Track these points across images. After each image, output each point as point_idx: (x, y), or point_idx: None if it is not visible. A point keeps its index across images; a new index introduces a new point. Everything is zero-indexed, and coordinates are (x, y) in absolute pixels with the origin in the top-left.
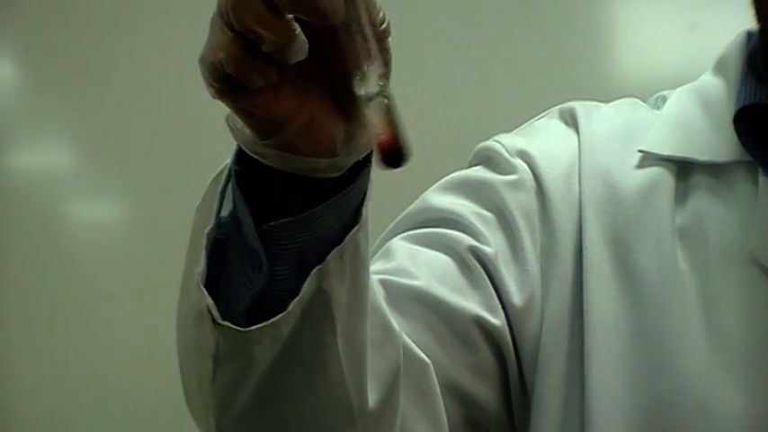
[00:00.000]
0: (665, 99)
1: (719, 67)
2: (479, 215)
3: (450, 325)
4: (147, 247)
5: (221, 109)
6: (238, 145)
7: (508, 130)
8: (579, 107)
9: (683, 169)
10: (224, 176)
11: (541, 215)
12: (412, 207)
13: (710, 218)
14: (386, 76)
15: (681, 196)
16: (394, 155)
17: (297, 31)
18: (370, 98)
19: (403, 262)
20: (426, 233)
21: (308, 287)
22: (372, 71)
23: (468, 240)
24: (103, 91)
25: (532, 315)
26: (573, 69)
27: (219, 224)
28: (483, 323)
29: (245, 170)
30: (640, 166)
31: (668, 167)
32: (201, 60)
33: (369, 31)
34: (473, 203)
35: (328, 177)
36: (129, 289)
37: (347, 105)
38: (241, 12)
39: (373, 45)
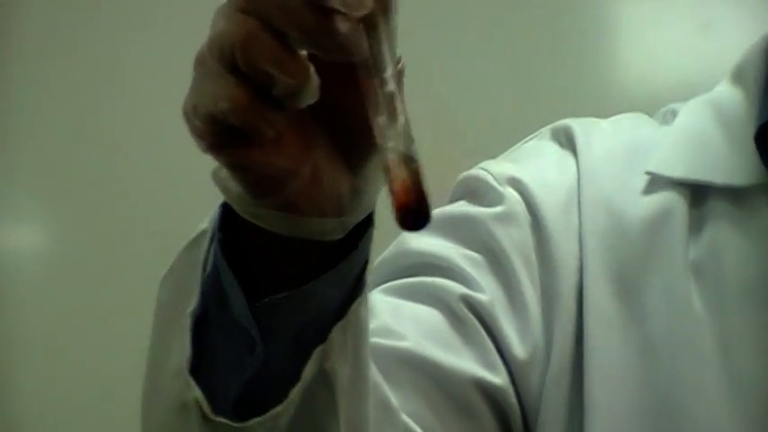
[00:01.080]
0: (674, 113)
1: (737, 77)
2: (468, 257)
3: (446, 390)
4: (69, 277)
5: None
6: (221, 207)
7: (502, 141)
8: (576, 125)
9: (697, 194)
10: (204, 244)
11: (539, 251)
12: (388, 253)
13: (728, 250)
14: (408, 124)
15: (695, 226)
16: (418, 215)
17: (312, 71)
18: (395, 152)
19: (385, 320)
20: (409, 283)
21: (309, 370)
22: (393, 118)
23: (458, 288)
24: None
25: (537, 367)
26: (570, 75)
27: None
28: (482, 384)
29: (227, 234)
30: (648, 191)
31: (680, 192)
32: (193, 112)
33: (390, 69)
34: (459, 244)
35: (331, 240)
36: (48, 320)
37: (354, 155)
38: (253, 51)
39: (394, 86)
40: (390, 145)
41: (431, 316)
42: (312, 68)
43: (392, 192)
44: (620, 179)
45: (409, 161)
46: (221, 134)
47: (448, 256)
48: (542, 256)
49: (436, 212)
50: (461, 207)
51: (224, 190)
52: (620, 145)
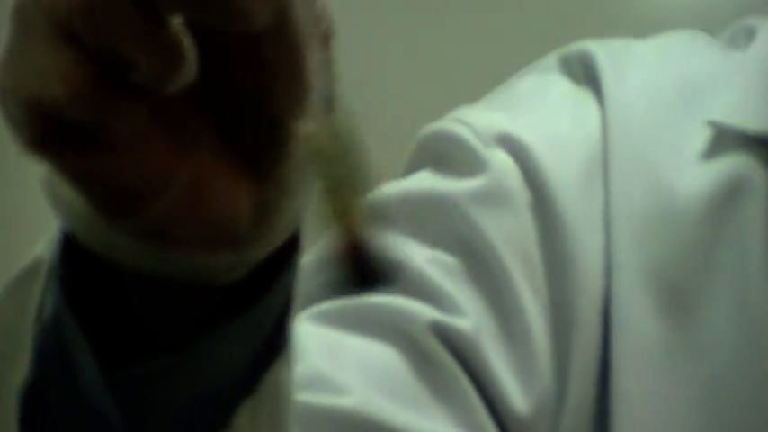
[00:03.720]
0: (750, 32)
1: None
2: (438, 263)
3: None
4: None
5: None
6: (62, 233)
7: (487, 76)
8: (598, 51)
9: None
10: (38, 282)
11: (545, 247)
12: (317, 257)
13: None
14: (331, 104)
15: None
16: (359, 261)
17: (185, 48)
18: (316, 146)
19: (318, 364)
20: (352, 306)
21: None
22: (316, 98)
23: (424, 312)
24: None
25: (545, 426)
26: None
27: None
28: None
29: (73, 268)
30: (710, 152)
31: (757, 154)
32: (9, 90)
33: (305, 34)
34: (424, 242)
35: (224, 282)
36: None
37: (260, 156)
38: (100, 19)
39: (314, 56)
40: (303, 134)
41: (385, 356)
42: (187, 42)
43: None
44: (667, 134)
45: (342, 189)
46: (49, 128)
47: (408, 261)
48: (550, 255)
49: (386, 193)
50: (425, 182)
51: (58, 207)
52: (666, 81)
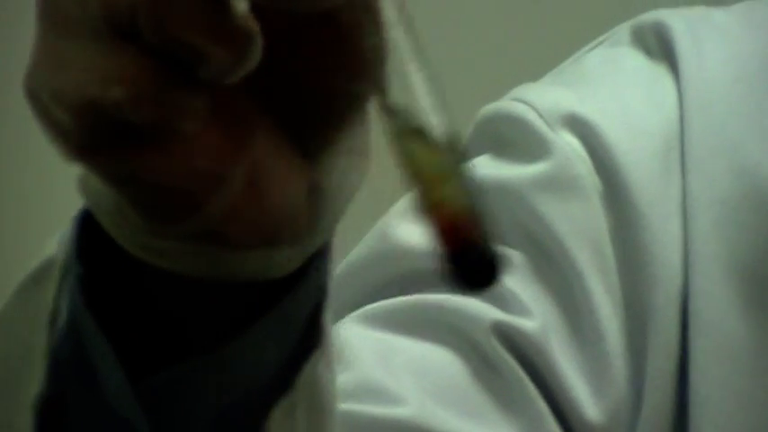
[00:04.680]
0: None
1: None
2: None
3: None
4: None
5: None
6: (79, 219)
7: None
8: (674, 21)
9: None
10: (51, 284)
11: (619, 239)
12: (363, 250)
13: None
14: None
15: None
16: (468, 267)
17: (256, 33)
18: (406, 130)
19: (369, 371)
20: (403, 306)
21: None
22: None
23: (486, 312)
24: None
25: None
26: None
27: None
28: None
29: (91, 266)
30: None
31: None
32: (53, 96)
33: (389, 12)
34: None
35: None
36: None
37: (311, 137)
38: (169, 14)
39: (402, 35)
40: (391, 118)
41: (443, 362)
42: (256, 27)
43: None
44: (752, 112)
45: (449, 169)
46: (102, 132)
47: None
48: (624, 248)
49: None
50: (484, 169)
51: (100, 212)
52: (750, 53)
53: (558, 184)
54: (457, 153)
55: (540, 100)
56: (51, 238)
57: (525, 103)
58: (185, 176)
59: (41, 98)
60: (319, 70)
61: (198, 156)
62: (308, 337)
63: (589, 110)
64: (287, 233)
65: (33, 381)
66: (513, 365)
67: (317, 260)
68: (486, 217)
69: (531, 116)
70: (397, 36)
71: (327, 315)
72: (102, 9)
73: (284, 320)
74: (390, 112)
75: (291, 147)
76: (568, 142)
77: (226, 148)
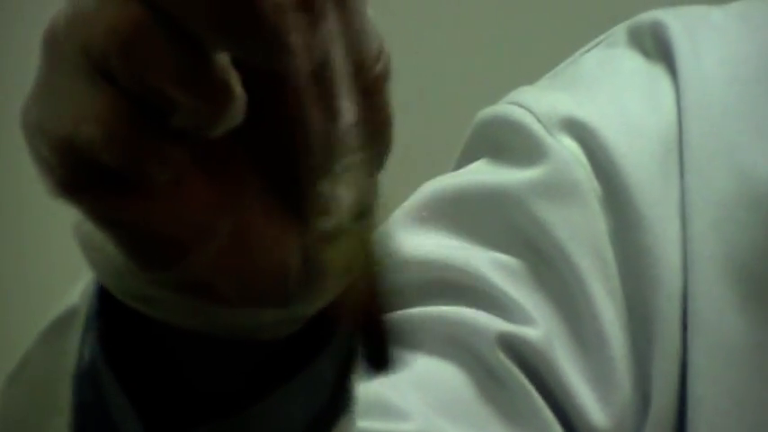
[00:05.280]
0: None
1: None
2: (501, 265)
3: None
4: None
5: None
6: (97, 285)
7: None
8: (672, 20)
9: None
10: (74, 336)
11: (619, 243)
12: None
13: None
14: (375, 167)
15: None
16: (373, 335)
17: (235, 88)
18: (335, 228)
19: (374, 387)
20: (408, 320)
21: None
22: (349, 162)
23: (491, 324)
24: None
25: None
26: None
27: None
28: None
29: (110, 320)
30: None
31: None
32: (37, 129)
33: (344, 81)
34: (484, 243)
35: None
36: None
37: (307, 206)
38: (141, 58)
39: (351, 107)
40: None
41: (448, 376)
42: (234, 81)
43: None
44: (749, 112)
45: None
46: (83, 171)
47: (468, 264)
48: (625, 252)
49: (439, 187)
50: (482, 175)
51: (88, 255)
52: (748, 53)
53: (557, 189)
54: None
55: (537, 104)
56: (75, 287)
57: (523, 107)
58: (168, 225)
59: (29, 129)
60: (289, 126)
61: (183, 206)
62: (337, 398)
63: (587, 113)
64: (275, 294)
65: (58, 428)
66: (518, 377)
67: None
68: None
69: (528, 120)
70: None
71: (355, 375)
72: (81, 47)
73: (314, 380)
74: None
75: (287, 210)
76: (566, 146)
77: (213, 202)
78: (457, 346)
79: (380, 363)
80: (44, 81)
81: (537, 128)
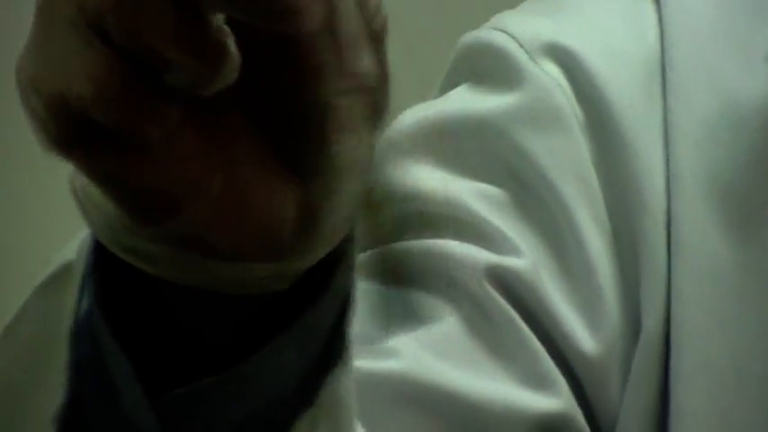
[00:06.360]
0: None
1: None
2: (484, 195)
3: None
4: None
5: None
6: (94, 238)
7: None
8: None
9: None
10: (70, 290)
11: (602, 168)
12: None
13: None
14: (379, 122)
15: None
16: None
17: (230, 48)
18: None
19: (361, 325)
20: (395, 255)
21: None
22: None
23: (478, 257)
24: None
25: (616, 367)
26: None
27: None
28: (530, 418)
29: (106, 275)
30: None
31: None
32: (32, 85)
33: (355, 35)
34: (466, 174)
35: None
36: None
37: (305, 156)
38: (136, 19)
39: (367, 53)
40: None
41: (436, 312)
42: (231, 41)
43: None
44: (731, 34)
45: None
46: (74, 127)
47: (451, 196)
48: (609, 178)
49: (421, 117)
50: (463, 102)
51: (87, 212)
52: None
53: (539, 116)
54: None
55: (520, 29)
56: (72, 241)
57: (506, 32)
58: (162, 181)
59: (23, 86)
60: (302, 84)
61: (176, 162)
62: (330, 349)
63: (570, 38)
64: (267, 249)
65: (51, 391)
66: (505, 309)
67: (339, 273)
68: None
69: (511, 46)
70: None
71: (350, 327)
72: (77, 5)
73: (307, 333)
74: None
75: (281, 163)
76: (549, 72)
77: (206, 157)
78: (443, 280)
79: None
80: (38, 38)
81: (519, 54)
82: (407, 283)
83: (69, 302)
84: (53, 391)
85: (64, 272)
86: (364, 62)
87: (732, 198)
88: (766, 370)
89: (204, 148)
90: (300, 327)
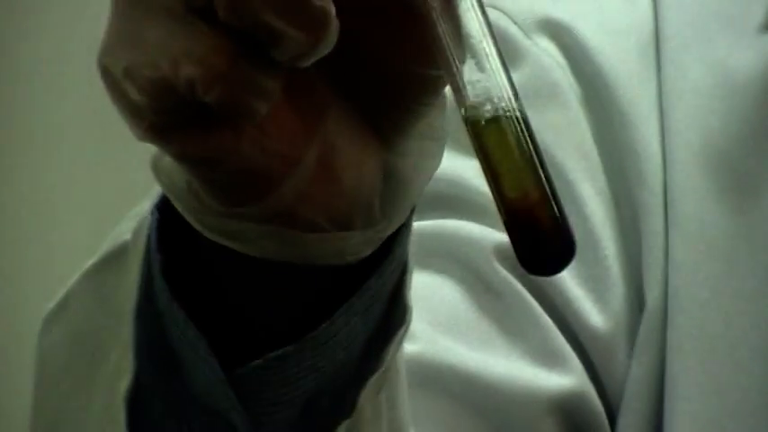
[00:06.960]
0: None
1: None
2: None
3: (485, 419)
4: None
5: None
6: (158, 205)
7: None
8: None
9: None
10: (132, 269)
11: (602, 141)
12: None
13: None
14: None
15: None
16: (549, 250)
17: (333, 15)
18: (489, 119)
19: None
20: None
21: None
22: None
23: (486, 236)
24: None
25: (623, 342)
26: None
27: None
28: (543, 396)
29: (170, 253)
30: None
31: None
32: (125, 74)
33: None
34: (469, 152)
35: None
36: None
37: (386, 119)
38: None
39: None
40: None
41: (447, 293)
42: (333, 9)
43: (503, 203)
44: (726, 10)
45: (524, 159)
46: (173, 112)
47: (457, 176)
48: (609, 150)
49: None
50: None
51: (173, 193)
52: None
53: (537, 93)
54: (530, 140)
55: (513, 6)
56: (124, 222)
57: (498, 9)
58: (258, 158)
59: (115, 76)
60: (393, 53)
61: (271, 138)
62: (392, 313)
63: (564, 12)
64: (360, 217)
65: (114, 369)
66: (515, 286)
67: (400, 237)
68: (561, 202)
69: (504, 23)
70: (471, 21)
71: (408, 293)
72: None
73: (371, 299)
74: (463, 100)
75: (366, 131)
76: (544, 48)
77: (299, 131)
78: (453, 259)
79: (535, 264)
80: (129, 28)
81: (513, 30)
82: (416, 264)
83: (128, 282)
84: (116, 370)
85: (120, 253)
86: (443, 27)
87: (726, 167)
88: (760, 338)
89: (296, 120)
90: (366, 293)
